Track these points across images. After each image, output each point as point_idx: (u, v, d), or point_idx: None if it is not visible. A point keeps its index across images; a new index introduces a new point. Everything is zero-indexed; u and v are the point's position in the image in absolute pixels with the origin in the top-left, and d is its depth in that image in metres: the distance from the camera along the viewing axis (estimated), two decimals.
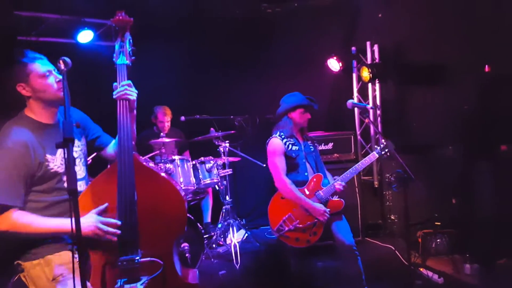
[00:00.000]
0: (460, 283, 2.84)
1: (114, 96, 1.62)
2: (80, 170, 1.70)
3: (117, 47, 1.67)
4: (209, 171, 3.48)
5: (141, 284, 1.51)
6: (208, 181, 3.47)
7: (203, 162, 3.49)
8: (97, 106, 3.58)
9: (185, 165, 3.34)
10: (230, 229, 3.76)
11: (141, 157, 1.73)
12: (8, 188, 1.45)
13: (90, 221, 1.48)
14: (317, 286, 2.67)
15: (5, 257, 1.89)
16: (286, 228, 2.46)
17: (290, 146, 2.59)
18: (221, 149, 3.81)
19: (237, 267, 3.34)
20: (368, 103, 4.60)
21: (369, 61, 4.50)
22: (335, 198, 2.52)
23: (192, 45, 4.44)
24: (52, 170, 1.57)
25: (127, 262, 1.49)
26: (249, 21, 4.51)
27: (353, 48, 4.61)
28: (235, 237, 3.76)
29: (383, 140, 2.54)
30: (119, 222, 1.51)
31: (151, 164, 3.07)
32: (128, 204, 1.52)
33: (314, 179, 2.55)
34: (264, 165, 4.12)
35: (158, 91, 4.16)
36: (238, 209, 4.71)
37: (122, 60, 1.65)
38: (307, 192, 2.53)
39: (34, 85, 1.57)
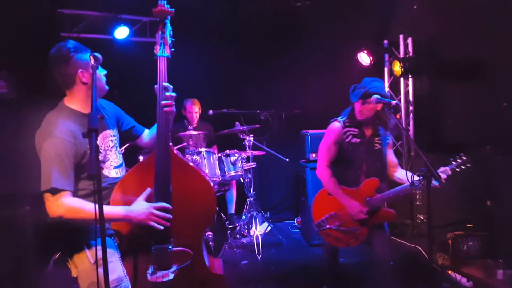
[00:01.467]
0: None
1: (158, 104, 1.62)
2: (117, 158, 1.76)
3: (159, 38, 1.64)
4: (234, 163, 3.56)
5: (172, 272, 1.56)
6: (232, 173, 3.55)
7: (228, 155, 3.57)
8: (132, 97, 3.80)
9: (211, 158, 3.44)
10: (253, 221, 3.83)
11: (177, 151, 1.78)
12: (61, 174, 1.49)
13: (143, 207, 1.53)
14: (334, 279, 2.61)
15: (47, 237, 2.07)
16: (327, 226, 2.32)
17: (351, 137, 2.29)
18: (246, 142, 3.87)
19: (259, 258, 3.40)
20: (400, 99, 4.44)
21: (401, 55, 4.33)
22: (388, 209, 2.34)
23: (221, 40, 4.52)
24: None
25: (160, 250, 1.55)
26: (279, 15, 4.51)
27: (385, 41, 4.46)
28: (258, 229, 3.83)
29: (462, 155, 2.15)
30: (170, 206, 1.55)
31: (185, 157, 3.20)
32: (164, 194, 1.56)
33: (369, 183, 2.28)
34: (288, 160, 4.14)
35: (188, 85, 4.29)
36: (263, 202, 4.77)
37: (163, 52, 1.63)
38: (356, 194, 2.30)
39: (89, 79, 1.62)
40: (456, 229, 3.27)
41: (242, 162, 3.65)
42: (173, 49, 1.68)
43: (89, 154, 1.25)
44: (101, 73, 1.70)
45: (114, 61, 2.31)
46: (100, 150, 1.66)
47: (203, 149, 3.41)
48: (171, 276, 1.55)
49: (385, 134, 2.36)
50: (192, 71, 4.34)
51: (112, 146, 1.75)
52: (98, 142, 1.65)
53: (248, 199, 3.95)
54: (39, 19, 3.76)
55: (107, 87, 1.73)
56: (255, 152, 3.95)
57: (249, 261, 3.34)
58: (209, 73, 4.51)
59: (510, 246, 2.89)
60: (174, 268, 1.58)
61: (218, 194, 3.96)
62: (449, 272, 2.96)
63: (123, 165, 1.83)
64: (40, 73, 3.72)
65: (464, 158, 2.13)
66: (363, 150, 2.30)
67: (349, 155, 2.30)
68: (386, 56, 4.54)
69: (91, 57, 1.49)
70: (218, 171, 3.45)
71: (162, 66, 1.64)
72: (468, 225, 3.29)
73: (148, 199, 1.58)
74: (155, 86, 1.65)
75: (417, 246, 3.47)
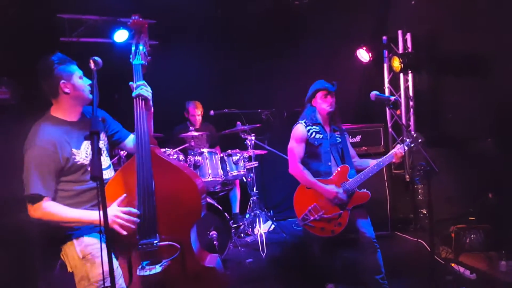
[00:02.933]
0: (494, 280, 2.73)
1: (132, 95, 1.75)
2: (104, 161, 1.86)
3: (133, 48, 1.80)
4: (236, 163, 3.58)
5: (160, 266, 1.63)
6: (235, 173, 3.58)
7: (230, 155, 3.59)
8: (132, 101, 3.82)
9: (213, 158, 3.47)
10: (257, 219, 3.86)
11: (160, 149, 1.84)
12: (41, 181, 1.63)
13: (110, 212, 1.61)
14: (336, 275, 2.66)
15: (52, 241, 2.10)
16: (312, 218, 2.48)
17: (314, 134, 2.56)
18: (248, 142, 3.90)
19: (263, 256, 3.43)
20: (400, 94, 4.46)
21: (400, 50, 4.35)
22: (362, 190, 2.50)
23: (220, 40, 4.54)
24: (78, 163, 1.73)
25: (146, 245, 1.63)
26: (277, 14, 4.52)
27: (384, 38, 4.48)
28: (262, 227, 3.85)
29: (412, 132, 2.47)
30: (138, 212, 1.64)
31: (174, 157, 3.23)
32: (146, 194, 1.65)
33: (340, 170, 2.52)
34: None
35: (189, 87, 4.32)
36: (266, 201, 4.79)
37: (138, 60, 1.78)
38: (332, 183, 2.51)
39: (76, 83, 1.75)
40: (458, 222, 3.29)
41: (244, 162, 3.67)
42: (149, 58, 1.83)
43: (91, 156, 1.35)
44: (85, 83, 1.79)
45: (114, 65, 2.32)
46: (86, 155, 1.75)
47: (205, 150, 3.44)
48: (158, 269, 1.62)
49: (342, 129, 2.69)
50: (193, 72, 4.36)
51: (101, 149, 1.80)
52: (83, 148, 1.76)
53: (251, 198, 3.97)
54: (38, 24, 3.78)
55: (90, 96, 1.81)
56: (257, 151, 3.98)
57: (254, 260, 3.36)
58: (210, 73, 4.53)
59: None
60: (163, 262, 1.64)
61: (221, 194, 3.98)
62: (453, 265, 2.98)
63: (111, 166, 1.93)
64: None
65: (414, 135, 2.39)
66: (327, 144, 2.57)
67: (316, 150, 2.55)
68: (385, 52, 4.56)
69: (91, 61, 1.55)
70: (220, 171, 3.48)
71: (137, 73, 1.78)
72: (470, 218, 3.31)
73: (127, 203, 1.66)
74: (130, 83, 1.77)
75: (420, 240, 3.49)
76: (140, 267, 1.64)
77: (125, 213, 1.62)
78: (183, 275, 1.72)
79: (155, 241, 1.63)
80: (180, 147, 3.67)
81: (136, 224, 1.63)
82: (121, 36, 4.24)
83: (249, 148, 3.89)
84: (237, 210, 4.19)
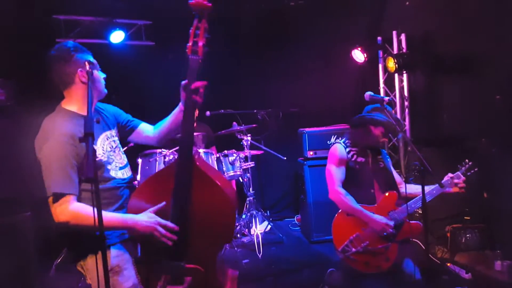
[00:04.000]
0: (490, 280, 2.74)
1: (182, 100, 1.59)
2: (121, 159, 1.73)
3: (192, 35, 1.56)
4: (232, 163, 3.59)
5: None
6: (231, 173, 3.58)
7: (226, 155, 3.60)
8: (129, 101, 3.81)
9: (209, 158, 3.47)
10: (253, 220, 3.86)
11: (202, 159, 1.70)
12: (62, 178, 1.45)
13: (150, 220, 1.49)
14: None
15: (49, 243, 2.00)
16: (354, 250, 2.14)
17: (355, 156, 2.29)
18: (244, 142, 3.90)
19: (260, 256, 3.43)
20: (395, 95, 4.48)
21: (395, 51, 4.36)
22: (414, 222, 2.20)
23: (216, 40, 4.53)
24: (96, 159, 1.57)
25: (172, 266, 1.51)
26: (273, 15, 4.53)
27: (379, 38, 4.49)
28: (258, 228, 3.85)
29: (467, 160, 2.22)
30: (176, 228, 1.49)
31: (171, 157, 3.16)
32: (182, 209, 1.50)
33: (387, 196, 2.21)
34: (285, 158, 4.17)
35: None
36: (262, 201, 4.80)
37: (195, 53, 1.58)
38: (377, 211, 2.20)
39: (93, 73, 1.61)
40: (454, 222, 3.30)
41: (240, 162, 3.67)
42: (207, 49, 1.64)
43: (86, 158, 1.23)
44: (101, 76, 1.68)
45: (110, 66, 2.32)
46: (102, 151, 1.63)
47: (201, 150, 3.44)
48: None
49: (384, 154, 2.42)
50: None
51: (115, 147, 1.72)
52: (100, 144, 1.63)
53: (247, 199, 3.98)
54: (34, 25, 3.78)
55: (105, 91, 1.71)
56: (253, 152, 3.98)
57: (250, 260, 3.37)
58: (205, 74, 4.52)
59: (507, 237, 2.92)
60: (184, 284, 1.53)
61: None
62: (448, 264, 3.00)
63: (128, 165, 1.79)
64: (38, 79, 3.75)
65: (470, 163, 2.20)
66: (370, 168, 2.30)
67: (357, 173, 2.27)
68: (380, 53, 4.57)
69: (86, 62, 1.49)
70: None
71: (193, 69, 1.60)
72: (466, 217, 3.32)
73: (161, 214, 1.52)
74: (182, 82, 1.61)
75: (415, 240, 3.50)
76: (161, 284, 1.53)
77: (163, 226, 1.49)
78: None
79: (182, 263, 1.50)
80: (176, 148, 3.67)
81: (167, 243, 1.49)
82: (117, 37, 4.24)
83: (245, 149, 3.90)
84: None
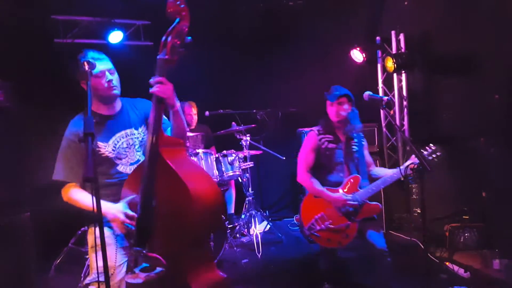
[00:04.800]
0: (488, 278, 2.75)
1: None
2: (134, 156, 1.85)
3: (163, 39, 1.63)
4: (231, 163, 3.59)
5: (145, 277, 1.53)
6: (230, 173, 3.58)
7: (225, 155, 3.60)
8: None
9: (209, 159, 3.47)
10: (253, 220, 3.86)
11: (179, 156, 1.63)
12: (64, 169, 1.73)
13: (117, 208, 1.62)
14: (333, 276, 2.64)
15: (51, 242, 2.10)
16: (318, 227, 2.39)
17: (326, 143, 2.48)
18: (243, 142, 3.90)
19: (259, 256, 3.44)
20: (394, 94, 4.49)
21: (394, 51, 4.38)
22: (373, 202, 2.39)
23: (215, 40, 4.54)
24: (103, 155, 1.76)
25: (136, 252, 1.58)
26: (271, 15, 4.53)
27: (378, 38, 4.50)
28: (258, 228, 3.86)
29: (431, 145, 2.29)
30: (135, 215, 1.60)
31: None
32: (145, 199, 1.56)
33: (351, 180, 2.43)
34: (284, 158, 4.18)
35: (183, 87, 4.28)
36: (262, 201, 4.81)
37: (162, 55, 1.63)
38: (342, 193, 2.41)
39: (92, 83, 1.68)
40: (452, 221, 3.32)
41: (239, 162, 3.67)
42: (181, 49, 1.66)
43: (85, 158, 1.29)
44: (104, 80, 1.74)
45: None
46: (113, 148, 1.78)
47: (200, 150, 3.44)
48: (139, 281, 1.54)
49: (359, 136, 2.55)
50: (187, 72, 4.34)
51: (132, 144, 1.84)
52: (113, 141, 1.79)
53: (246, 199, 3.98)
54: (32, 26, 3.77)
55: (116, 92, 1.79)
56: (252, 152, 3.99)
57: (250, 260, 3.37)
58: (204, 74, 4.53)
59: (505, 236, 2.94)
60: (149, 273, 1.54)
61: None
62: (447, 263, 3.01)
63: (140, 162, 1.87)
64: (36, 80, 3.74)
65: (433, 147, 2.27)
66: (341, 154, 2.48)
67: (327, 160, 2.47)
68: (379, 53, 4.58)
69: (85, 62, 1.53)
70: (216, 172, 3.48)
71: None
72: (464, 216, 3.34)
73: (133, 205, 1.62)
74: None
75: (414, 239, 3.51)
76: (130, 270, 1.59)
77: (126, 214, 1.61)
78: None
79: (144, 251, 1.57)
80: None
81: (130, 229, 1.61)
82: (115, 37, 4.24)
83: (244, 149, 3.90)
84: (233, 211, 4.20)
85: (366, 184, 2.43)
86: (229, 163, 3.59)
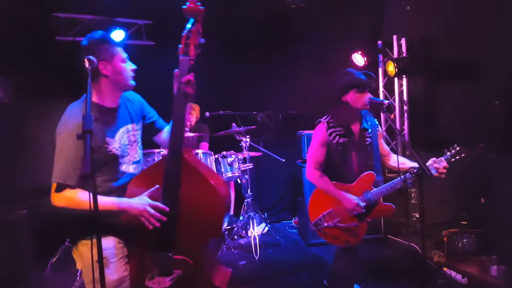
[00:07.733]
0: (485, 284, 2.74)
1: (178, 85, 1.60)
2: (136, 154, 1.73)
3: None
4: (231, 165, 3.58)
5: (170, 280, 1.54)
6: (230, 174, 3.57)
7: (224, 156, 3.59)
8: None
9: (208, 159, 3.46)
10: (251, 222, 3.85)
11: (194, 156, 1.69)
12: (66, 170, 1.48)
13: (141, 202, 1.52)
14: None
15: (58, 228, 2.06)
16: (325, 224, 2.24)
17: (337, 137, 2.26)
18: (243, 143, 3.90)
19: (257, 258, 3.42)
20: (394, 99, 4.49)
21: (395, 55, 4.38)
22: (386, 203, 2.26)
23: (216, 42, 4.53)
24: (110, 153, 1.60)
25: (161, 257, 1.54)
26: (274, 17, 4.54)
27: (379, 42, 4.51)
28: (256, 229, 3.85)
29: (456, 145, 2.14)
30: (166, 208, 1.52)
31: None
32: (171, 197, 1.52)
33: (365, 178, 2.24)
34: (284, 160, 4.17)
35: None
36: (260, 203, 4.79)
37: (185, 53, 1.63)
38: (353, 190, 2.24)
39: (116, 66, 1.60)
40: (451, 226, 3.31)
41: (239, 163, 3.67)
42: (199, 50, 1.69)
43: (83, 155, 1.24)
44: (128, 68, 1.66)
45: None
46: (119, 145, 1.63)
47: (199, 151, 3.43)
48: (167, 284, 1.53)
49: (373, 124, 2.34)
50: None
51: (134, 141, 1.72)
52: (118, 137, 1.64)
53: (245, 200, 3.97)
54: (34, 23, 3.76)
55: (132, 83, 1.68)
56: (252, 153, 3.98)
57: (247, 262, 3.36)
58: (205, 75, 4.51)
59: (503, 243, 2.93)
60: (174, 275, 1.55)
61: None
62: (445, 269, 3.00)
63: (141, 161, 1.79)
64: (37, 77, 3.73)
65: (457, 148, 2.13)
66: (353, 148, 2.27)
67: (339, 155, 2.27)
68: (380, 57, 4.59)
69: (86, 60, 1.48)
70: None
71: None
72: (462, 222, 3.33)
73: (155, 198, 1.55)
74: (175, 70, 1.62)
75: (412, 244, 3.50)
76: (150, 275, 1.56)
77: (154, 207, 1.51)
78: None
79: (170, 254, 1.53)
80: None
81: (160, 222, 1.52)
82: (117, 36, 4.23)
83: (244, 150, 3.89)
84: (231, 212, 4.18)
85: (380, 182, 2.22)
86: (228, 164, 3.58)
